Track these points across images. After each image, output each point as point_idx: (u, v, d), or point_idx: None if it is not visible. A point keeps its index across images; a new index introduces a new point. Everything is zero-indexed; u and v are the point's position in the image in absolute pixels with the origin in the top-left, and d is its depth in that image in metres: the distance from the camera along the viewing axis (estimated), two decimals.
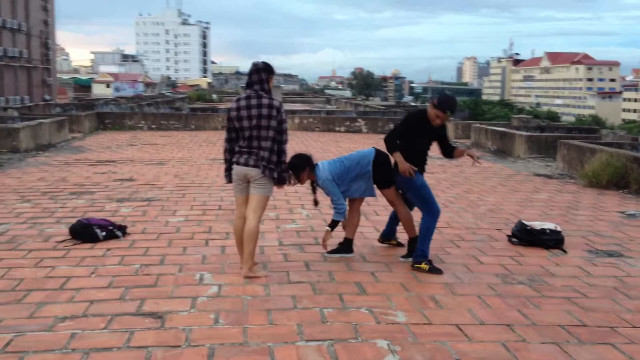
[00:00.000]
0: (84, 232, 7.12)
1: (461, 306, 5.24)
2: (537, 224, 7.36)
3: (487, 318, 4.98)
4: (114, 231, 7.27)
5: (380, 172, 6.49)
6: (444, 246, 7.15)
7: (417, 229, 6.48)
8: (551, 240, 7.16)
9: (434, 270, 6.15)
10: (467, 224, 8.36)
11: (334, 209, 6.43)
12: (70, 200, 9.52)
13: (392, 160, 6.38)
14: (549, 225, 7.34)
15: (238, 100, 5.86)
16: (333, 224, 6.46)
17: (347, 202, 6.56)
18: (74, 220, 7.57)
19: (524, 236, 7.26)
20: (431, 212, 6.31)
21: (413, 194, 6.40)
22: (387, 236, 7.07)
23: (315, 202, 6.60)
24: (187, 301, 5.23)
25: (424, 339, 4.54)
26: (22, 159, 14.53)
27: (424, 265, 6.20)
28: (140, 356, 4.18)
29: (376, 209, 8.96)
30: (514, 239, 7.34)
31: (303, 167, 6.34)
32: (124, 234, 7.37)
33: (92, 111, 25.36)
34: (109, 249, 6.80)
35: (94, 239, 7.06)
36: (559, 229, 7.33)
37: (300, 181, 6.39)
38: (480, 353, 4.32)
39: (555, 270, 6.33)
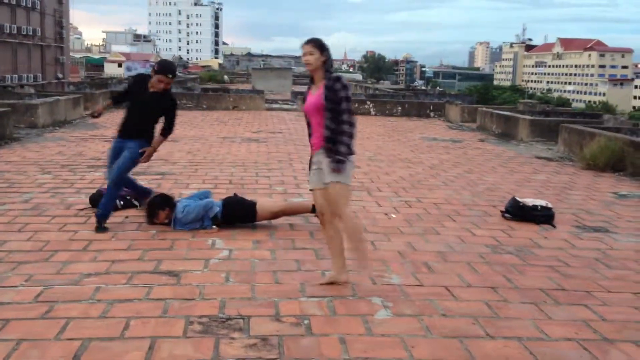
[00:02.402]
0: None
1: (451, 271, 5.70)
2: (529, 201, 7.79)
3: (474, 281, 5.44)
4: (131, 200, 7.75)
5: (234, 212, 6.96)
6: (441, 220, 7.59)
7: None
8: (542, 216, 7.58)
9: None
10: (464, 200, 8.78)
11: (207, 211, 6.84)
12: (89, 173, 10.02)
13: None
14: (540, 202, 7.77)
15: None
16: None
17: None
18: (93, 191, 8.06)
19: (517, 212, 7.68)
20: (117, 184, 6.90)
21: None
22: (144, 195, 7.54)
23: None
24: (200, 262, 5.72)
25: (414, 297, 5.01)
26: (40, 134, 15.03)
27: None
28: (159, 306, 4.67)
29: (379, 186, 9.43)
30: (507, 215, 7.77)
31: (163, 207, 6.86)
32: (141, 203, 7.84)
33: (106, 89, 25.87)
34: (127, 217, 7.28)
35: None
36: (550, 205, 7.76)
37: (158, 219, 6.87)
38: (465, 309, 4.78)
39: (542, 243, 6.77)
